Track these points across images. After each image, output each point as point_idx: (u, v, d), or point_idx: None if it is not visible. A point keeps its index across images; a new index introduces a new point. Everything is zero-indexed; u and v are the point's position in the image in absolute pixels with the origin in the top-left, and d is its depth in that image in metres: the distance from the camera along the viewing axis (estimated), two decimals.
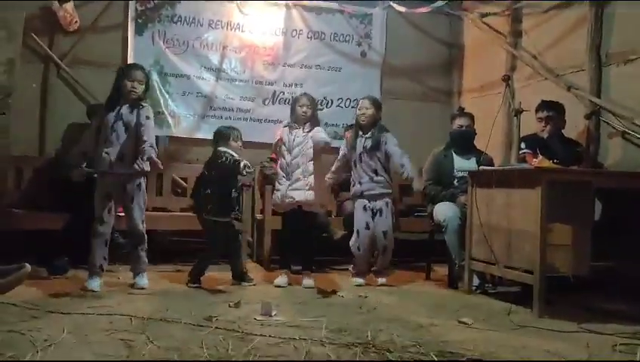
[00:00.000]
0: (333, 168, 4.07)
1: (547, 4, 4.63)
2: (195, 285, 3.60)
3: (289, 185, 3.76)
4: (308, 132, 3.83)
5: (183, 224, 4.52)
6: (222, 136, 3.77)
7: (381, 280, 3.90)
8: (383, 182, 3.91)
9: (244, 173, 3.56)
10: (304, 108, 3.85)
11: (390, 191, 3.95)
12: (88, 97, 4.76)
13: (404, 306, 3.26)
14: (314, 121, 3.89)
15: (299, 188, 3.74)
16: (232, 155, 3.65)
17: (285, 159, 3.82)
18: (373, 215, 3.87)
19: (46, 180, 4.30)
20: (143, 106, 3.45)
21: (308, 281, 3.75)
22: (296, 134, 3.84)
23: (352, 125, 5.05)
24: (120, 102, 3.41)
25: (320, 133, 3.83)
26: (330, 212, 4.73)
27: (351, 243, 3.94)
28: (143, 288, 3.42)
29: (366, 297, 3.44)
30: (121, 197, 3.42)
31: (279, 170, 3.87)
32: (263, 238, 4.53)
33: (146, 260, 3.51)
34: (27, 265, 2.60)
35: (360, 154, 3.92)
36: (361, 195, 3.90)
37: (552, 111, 3.93)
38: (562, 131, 3.97)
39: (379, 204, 3.88)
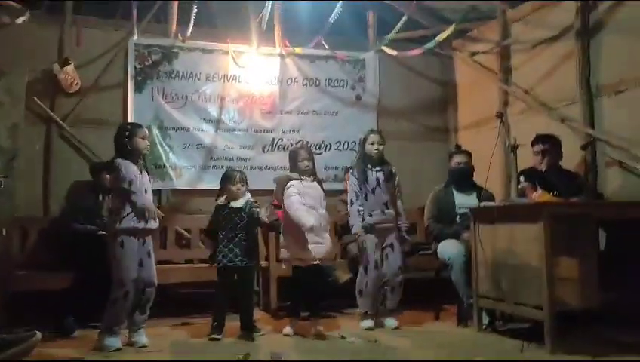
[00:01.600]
0: (354, 211, 3.90)
1: (534, 40, 4.76)
2: (217, 336, 3.53)
3: (317, 240, 3.68)
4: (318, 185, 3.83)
5: (189, 276, 4.51)
6: (223, 179, 3.76)
7: (393, 322, 3.85)
8: (392, 215, 3.93)
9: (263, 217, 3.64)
10: (306, 163, 3.79)
11: (394, 225, 3.95)
12: (90, 156, 4.82)
13: (416, 349, 3.22)
14: (315, 172, 3.88)
15: (321, 243, 3.69)
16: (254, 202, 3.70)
17: (318, 211, 3.71)
18: (383, 253, 3.87)
19: (51, 240, 4.31)
20: (146, 165, 3.56)
21: (317, 329, 3.69)
22: (312, 186, 3.77)
23: (350, 167, 5.12)
24: (133, 159, 3.44)
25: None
26: (335, 255, 4.72)
27: (357, 281, 3.91)
28: (145, 346, 3.36)
29: (375, 341, 3.40)
30: (139, 252, 3.41)
31: (303, 221, 3.61)
32: (269, 286, 4.50)
33: (146, 317, 3.48)
34: (37, 332, 2.59)
35: (373, 187, 3.93)
36: (371, 228, 3.88)
37: (548, 144, 3.98)
38: (560, 163, 4.01)
39: (389, 239, 3.90)
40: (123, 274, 3.29)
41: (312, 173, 3.84)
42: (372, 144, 4.00)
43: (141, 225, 3.36)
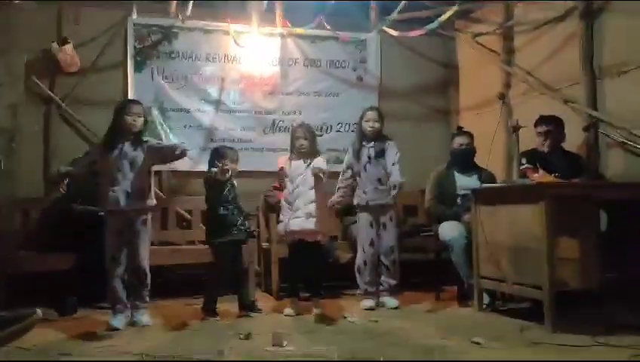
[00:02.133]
0: (340, 183, 4.01)
1: (537, 22, 4.71)
2: (215, 318, 3.56)
3: (291, 215, 3.76)
4: (308, 163, 3.80)
5: (190, 257, 4.53)
6: (217, 155, 3.72)
7: (393, 302, 3.87)
8: (386, 191, 3.88)
9: (220, 176, 3.57)
10: (300, 141, 3.83)
11: (393, 202, 3.94)
12: (90, 136, 4.80)
13: (416, 329, 3.24)
14: (314, 151, 3.88)
15: (299, 217, 3.74)
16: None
17: (288, 189, 3.84)
18: (378, 230, 3.90)
19: (52, 221, 4.31)
20: (146, 141, 3.48)
21: (318, 309, 3.74)
22: (297, 165, 3.84)
23: None
24: (120, 139, 3.41)
25: (318, 162, 3.79)
26: (336, 236, 4.73)
27: (356, 259, 3.94)
28: (143, 326, 3.38)
29: (376, 321, 3.42)
30: (127, 233, 3.42)
31: (283, 201, 3.88)
32: (270, 267, 4.52)
33: (147, 299, 3.49)
34: (38, 310, 2.59)
35: (365, 164, 3.94)
36: (366, 205, 3.90)
37: (551, 125, 3.97)
38: (562, 145, 4.00)
39: (383, 218, 3.91)
40: (106, 253, 3.37)
41: (309, 153, 3.83)
42: (367, 121, 4.00)
43: (112, 206, 3.35)
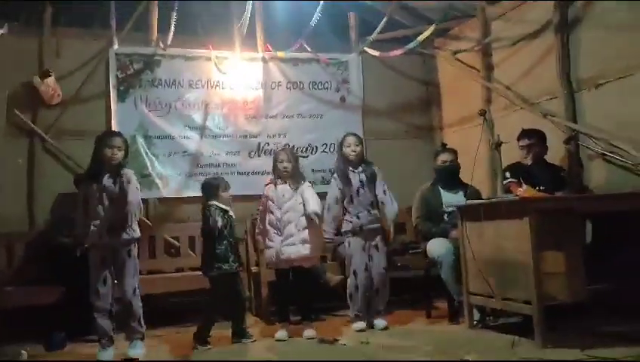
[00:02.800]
0: (329, 218, 3.94)
1: (514, 37, 4.80)
2: (206, 347, 3.53)
3: (282, 240, 3.76)
4: (295, 188, 3.84)
5: (179, 285, 4.49)
6: (211, 188, 3.76)
7: (382, 323, 3.85)
8: (377, 215, 3.93)
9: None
10: (284, 164, 3.87)
11: (380, 225, 3.97)
12: (75, 167, 4.78)
13: (408, 348, 3.24)
14: (298, 174, 3.92)
15: (294, 244, 3.74)
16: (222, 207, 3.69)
17: (275, 215, 3.82)
18: (370, 255, 3.88)
19: (38, 254, 4.27)
20: (122, 174, 3.44)
21: (309, 332, 3.72)
22: (283, 190, 3.85)
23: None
24: (102, 171, 3.41)
25: (315, 205, 3.79)
26: (325, 257, 4.73)
27: (348, 285, 3.91)
28: (136, 359, 3.33)
29: (367, 343, 3.41)
30: (111, 265, 3.40)
31: (269, 227, 3.84)
32: (260, 291, 4.50)
33: (141, 329, 3.43)
34: (23, 352, 2.55)
35: (357, 188, 3.92)
36: (360, 230, 3.87)
37: (533, 138, 4.02)
38: (545, 157, 4.05)
39: (375, 241, 3.91)
40: (90, 286, 3.34)
41: (291, 175, 3.87)
42: (348, 146, 4.00)
43: (94, 239, 3.34)
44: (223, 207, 3.70)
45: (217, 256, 3.60)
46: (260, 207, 4.00)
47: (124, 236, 3.39)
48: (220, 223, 3.59)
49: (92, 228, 3.35)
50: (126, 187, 3.41)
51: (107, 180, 3.40)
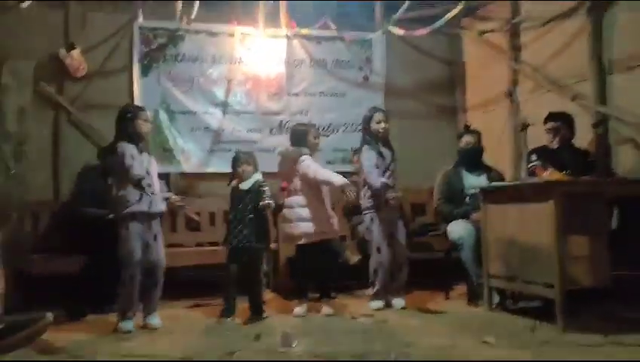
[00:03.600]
0: (379, 181, 3.81)
1: (544, 18, 4.68)
2: (229, 318, 3.57)
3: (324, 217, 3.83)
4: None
5: (199, 259, 4.54)
6: (244, 160, 3.75)
7: (401, 302, 3.85)
8: (399, 193, 3.92)
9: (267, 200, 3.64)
10: (317, 141, 3.92)
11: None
12: (98, 139, 4.83)
13: (426, 328, 3.23)
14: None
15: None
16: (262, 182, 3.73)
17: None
18: (392, 232, 3.88)
19: (62, 224, 4.33)
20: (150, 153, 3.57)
21: (327, 309, 3.73)
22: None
23: (357, 149, 5.10)
24: (134, 142, 3.42)
25: (327, 171, 3.80)
26: (344, 236, 4.72)
27: (372, 260, 3.88)
28: (156, 328, 3.39)
29: (386, 322, 3.41)
30: (144, 235, 3.41)
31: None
32: (279, 267, 4.52)
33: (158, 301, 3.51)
34: (48, 314, 2.60)
35: (389, 164, 3.90)
36: (386, 203, 3.80)
37: (560, 121, 3.94)
38: (572, 141, 3.96)
39: (395, 218, 3.91)
40: (127, 256, 3.32)
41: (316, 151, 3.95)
42: (379, 123, 3.94)
43: (143, 207, 3.35)
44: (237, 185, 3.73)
45: (233, 229, 3.66)
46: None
47: (162, 206, 3.49)
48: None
49: (144, 196, 3.35)
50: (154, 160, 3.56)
51: (146, 154, 3.46)
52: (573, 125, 3.95)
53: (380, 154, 3.89)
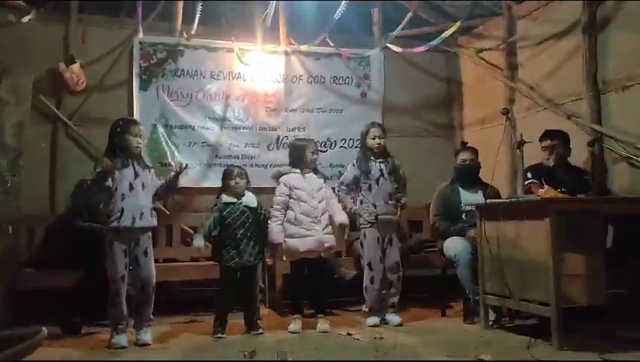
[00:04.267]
0: (344, 193, 3.98)
1: (540, 37, 4.73)
2: (221, 335, 3.53)
3: (323, 229, 3.77)
4: (319, 177, 3.90)
5: (194, 274, 4.52)
6: (237, 173, 3.74)
7: (396, 319, 3.83)
8: (394, 206, 3.92)
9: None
10: (315, 156, 3.91)
11: (397, 217, 3.97)
12: (95, 154, 4.82)
13: (422, 346, 3.21)
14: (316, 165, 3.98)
15: (330, 233, 3.79)
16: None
17: (310, 203, 3.78)
18: (384, 247, 3.87)
19: (57, 238, 4.32)
20: (150, 167, 3.60)
21: (323, 326, 3.71)
22: (310, 178, 3.86)
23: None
24: (124, 157, 3.42)
25: (337, 204, 3.88)
26: (339, 252, 4.72)
27: (364, 278, 3.87)
28: (147, 344, 3.36)
29: (382, 338, 3.39)
30: (133, 250, 3.40)
31: (302, 216, 3.76)
32: (275, 283, 4.51)
33: (151, 316, 3.47)
34: (44, 329, 2.58)
35: (377, 178, 3.89)
36: (376, 220, 3.84)
37: (556, 139, 3.95)
38: (568, 159, 3.98)
39: (389, 234, 3.89)
40: (111, 272, 3.33)
41: (314, 167, 3.91)
42: (374, 138, 3.96)
43: (126, 223, 3.32)
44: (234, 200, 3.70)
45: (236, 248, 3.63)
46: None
47: (152, 221, 3.45)
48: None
49: (126, 212, 3.33)
50: (156, 181, 3.56)
51: (138, 168, 3.44)
52: (569, 143, 3.97)
53: (367, 169, 3.91)
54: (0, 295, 3.74)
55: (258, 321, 3.69)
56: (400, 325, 3.79)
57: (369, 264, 3.86)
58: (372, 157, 3.96)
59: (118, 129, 3.47)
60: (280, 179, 3.87)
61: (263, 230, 3.72)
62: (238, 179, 3.71)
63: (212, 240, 3.70)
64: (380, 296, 3.88)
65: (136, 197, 3.37)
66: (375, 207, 3.86)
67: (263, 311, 4.36)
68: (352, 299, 4.44)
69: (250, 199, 3.73)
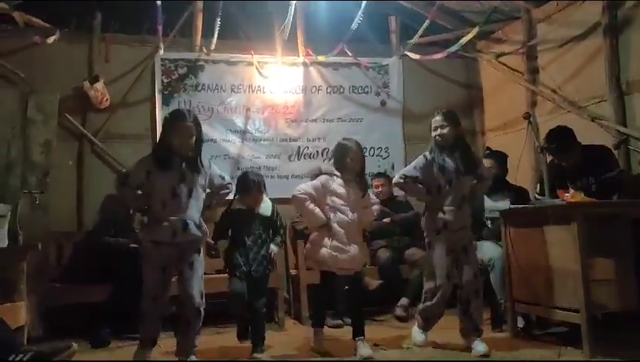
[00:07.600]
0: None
1: (561, 39, 4.68)
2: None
3: (359, 246, 3.35)
4: (362, 190, 3.39)
5: (220, 286, 4.54)
6: (260, 185, 3.43)
7: (483, 348, 3.12)
8: (468, 212, 3.35)
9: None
10: (353, 163, 3.33)
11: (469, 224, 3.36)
12: (122, 169, 4.91)
13: (449, 355, 3.17)
14: (363, 176, 3.43)
15: (364, 247, 3.56)
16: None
17: (348, 216, 3.30)
18: (457, 259, 3.28)
19: (86, 254, 4.39)
20: (202, 164, 3.05)
21: (365, 350, 3.18)
22: (352, 188, 3.35)
23: (378, 174, 5.12)
24: (173, 158, 2.94)
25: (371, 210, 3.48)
26: (364, 262, 4.68)
27: (425, 289, 3.37)
28: None
29: (408, 348, 3.36)
30: (176, 265, 2.97)
31: (337, 228, 3.27)
32: (299, 294, 4.50)
33: (196, 342, 3.01)
34: (74, 344, 2.63)
35: (451, 179, 3.27)
36: (444, 227, 3.26)
37: (556, 143, 3.76)
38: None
39: (463, 241, 3.29)
40: (144, 289, 2.96)
41: (358, 174, 3.38)
42: (434, 129, 3.38)
43: (164, 238, 2.89)
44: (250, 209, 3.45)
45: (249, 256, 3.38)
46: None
47: (197, 233, 2.95)
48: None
49: (165, 224, 2.87)
50: (215, 171, 3.13)
51: (187, 170, 2.95)
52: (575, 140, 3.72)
53: (441, 168, 3.31)
54: (30, 310, 3.81)
55: (264, 339, 3.29)
56: (486, 355, 3.09)
57: (435, 278, 3.30)
58: (444, 154, 3.32)
59: (164, 125, 3.04)
60: (318, 178, 3.37)
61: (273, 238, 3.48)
62: (256, 195, 3.41)
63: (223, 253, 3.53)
64: (440, 314, 3.41)
65: (178, 206, 2.90)
66: (444, 212, 3.28)
67: (288, 322, 4.36)
68: (376, 309, 4.40)
69: (264, 207, 3.48)
